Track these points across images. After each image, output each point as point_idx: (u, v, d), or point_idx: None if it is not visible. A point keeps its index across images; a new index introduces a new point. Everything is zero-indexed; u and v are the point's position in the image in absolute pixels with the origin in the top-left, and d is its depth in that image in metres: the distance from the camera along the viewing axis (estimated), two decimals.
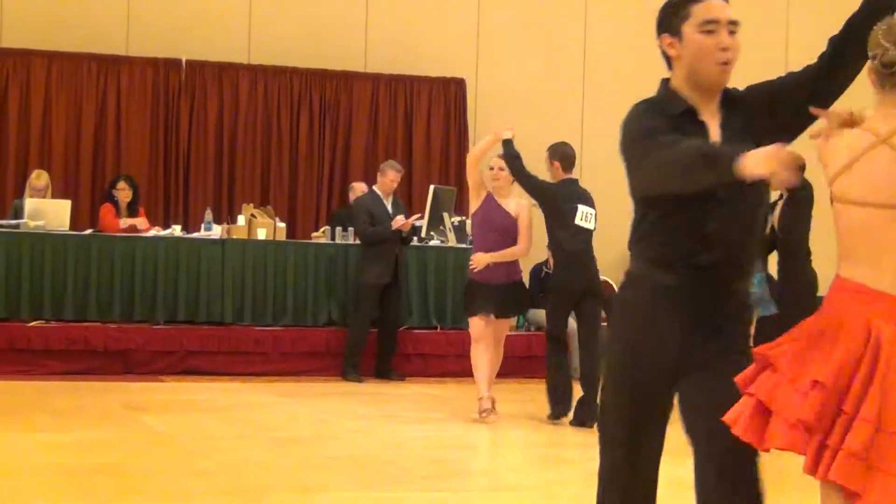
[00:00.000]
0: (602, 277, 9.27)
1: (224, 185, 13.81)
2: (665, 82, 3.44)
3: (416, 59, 14.29)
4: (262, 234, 11.97)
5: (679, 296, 3.32)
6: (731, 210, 3.30)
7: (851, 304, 3.11)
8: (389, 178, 11.73)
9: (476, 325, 8.92)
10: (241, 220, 12.11)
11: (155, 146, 13.60)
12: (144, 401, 9.50)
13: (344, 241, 12.18)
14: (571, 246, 8.95)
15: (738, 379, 3.18)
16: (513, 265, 9.05)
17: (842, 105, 3.24)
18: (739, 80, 3.46)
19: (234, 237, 11.90)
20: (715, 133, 3.35)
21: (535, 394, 9.70)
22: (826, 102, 3.29)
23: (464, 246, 11.75)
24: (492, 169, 9.01)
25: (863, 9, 3.26)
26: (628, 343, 3.42)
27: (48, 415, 8.59)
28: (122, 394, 9.82)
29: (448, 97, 14.52)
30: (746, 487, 3.27)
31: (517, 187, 9.11)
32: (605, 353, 3.58)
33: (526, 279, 9.50)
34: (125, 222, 11.81)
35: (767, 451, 3.15)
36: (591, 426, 8.63)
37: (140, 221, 11.89)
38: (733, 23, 3.32)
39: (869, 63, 3.20)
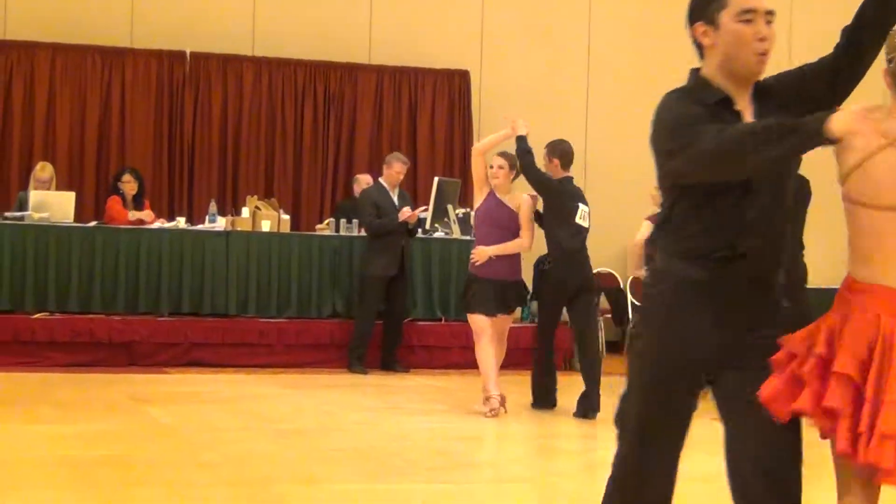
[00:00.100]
0: (604, 269, 9.28)
1: (228, 177, 13.82)
2: (695, 72, 3.40)
3: (420, 51, 14.28)
4: (266, 226, 11.96)
5: (708, 291, 3.28)
6: (771, 197, 3.28)
7: (865, 302, 3.14)
8: (395, 169, 11.70)
9: (476, 319, 8.89)
10: (246, 212, 12.08)
11: (159, 138, 13.62)
12: (149, 392, 9.51)
13: (348, 234, 12.17)
14: (570, 245, 8.95)
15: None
16: (514, 262, 8.94)
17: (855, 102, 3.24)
18: None
19: (239, 229, 11.89)
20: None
21: None
22: (845, 91, 3.30)
23: (468, 238, 11.67)
24: (491, 167, 8.96)
25: None
26: (652, 340, 3.41)
27: (53, 407, 8.59)
28: (126, 386, 9.84)
29: (452, 89, 14.51)
30: (788, 487, 3.26)
31: (517, 183, 9.08)
32: (630, 348, 3.55)
33: (528, 271, 9.45)
34: (133, 215, 11.81)
35: (795, 416, 3.17)
36: (594, 418, 8.70)
37: (146, 214, 11.88)
38: (770, 13, 3.29)
39: (886, 66, 3.23)
